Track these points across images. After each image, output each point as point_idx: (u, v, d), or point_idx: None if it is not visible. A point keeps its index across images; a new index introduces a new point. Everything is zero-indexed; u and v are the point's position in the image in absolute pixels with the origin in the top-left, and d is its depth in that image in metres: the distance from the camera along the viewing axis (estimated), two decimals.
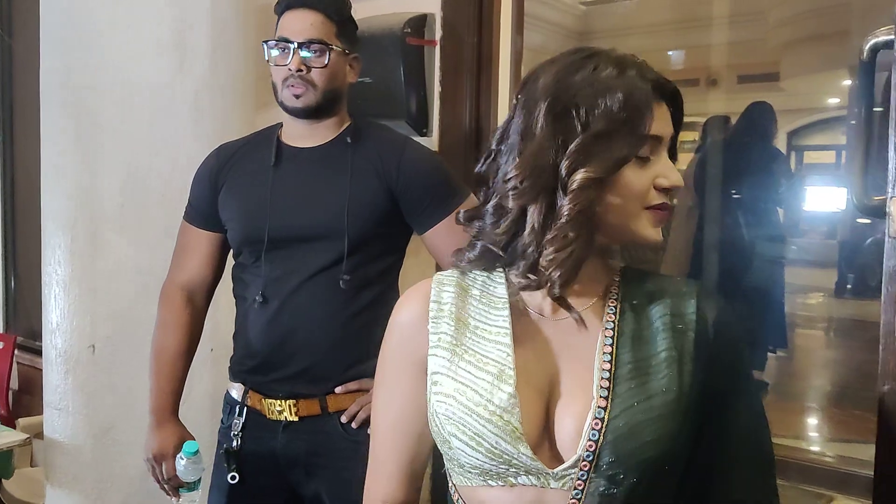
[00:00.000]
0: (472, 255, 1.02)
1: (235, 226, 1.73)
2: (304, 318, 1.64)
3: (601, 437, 0.91)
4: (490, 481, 0.96)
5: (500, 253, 0.99)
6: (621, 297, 1.01)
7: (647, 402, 0.93)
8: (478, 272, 1.04)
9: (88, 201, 2.18)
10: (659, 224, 0.97)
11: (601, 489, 0.92)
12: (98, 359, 2.20)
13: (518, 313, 1.00)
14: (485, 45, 2.29)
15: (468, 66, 2.27)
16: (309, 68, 1.63)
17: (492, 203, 0.99)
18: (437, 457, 1.07)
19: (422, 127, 2.28)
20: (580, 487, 0.93)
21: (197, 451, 1.62)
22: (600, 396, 0.93)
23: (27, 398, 3.63)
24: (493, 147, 1.01)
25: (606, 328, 0.98)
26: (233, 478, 1.68)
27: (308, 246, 1.64)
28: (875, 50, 1.05)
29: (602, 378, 0.94)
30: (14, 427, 2.98)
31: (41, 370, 2.31)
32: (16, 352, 3.45)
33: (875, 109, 1.08)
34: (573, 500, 0.93)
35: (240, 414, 1.71)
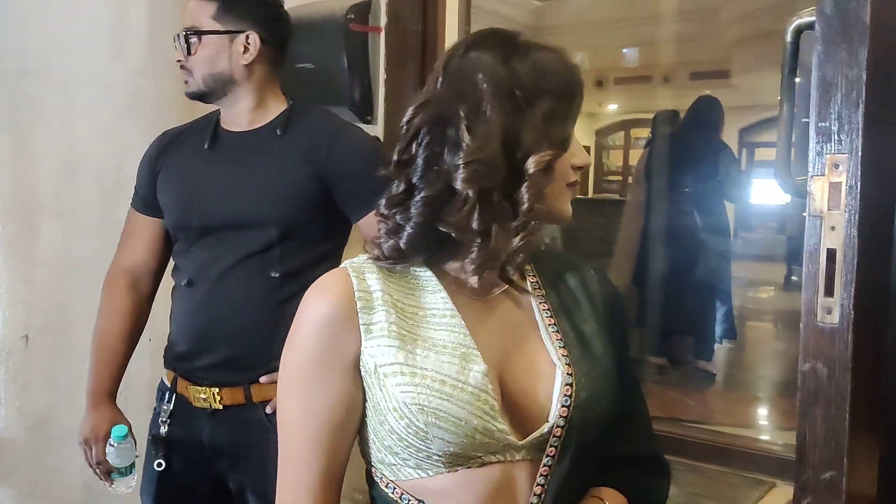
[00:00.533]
0: (405, 244, 0.97)
1: (169, 212, 1.72)
2: (229, 305, 1.62)
3: (572, 401, 0.96)
4: (458, 466, 0.94)
5: (456, 237, 0.95)
6: (536, 273, 1.07)
7: (597, 365, 1.00)
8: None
9: (22, 187, 2.12)
10: (571, 200, 1.03)
11: (570, 452, 0.96)
12: (32, 349, 2.15)
13: (453, 294, 0.99)
14: (430, 32, 2.28)
15: (413, 54, 2.26)
16: (187, 57, 1.64)
17: (430, 188, 0.95)
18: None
19: (366, 114, 2.27)
20: (552, 454, 0.96)
21: (125, 436, 1.60)
22: (565, 364, 0.98)
23: None
24: (423, 131, 0.97)
25: (540, 302, 1.03)
26: (159, 465, 1.67)
27: (235, 233, 1.62)
28: (799, 31, 1.06)
29: (559, 347, 0.99)
30: None
31: None
32: None
33: None
34: (544, 468, 0.96)
35: (168, 400, 1.69)
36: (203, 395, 1.64)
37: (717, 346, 4.09)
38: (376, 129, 2.28)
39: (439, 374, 0.92)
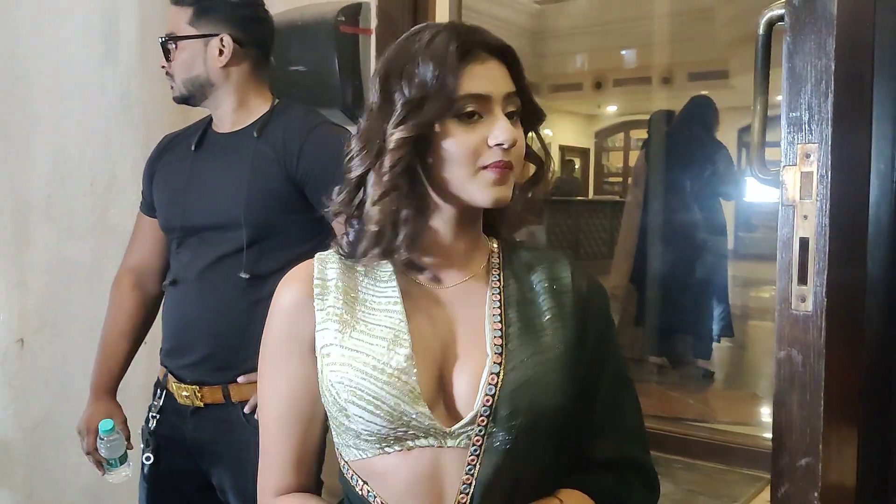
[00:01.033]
0: (346, 244, 1.04)
1: (160, 212, 1.76)
2: (205, 305, 1.64)
3: (497, 391, 0.95)
4: (387, 448, 0.97)
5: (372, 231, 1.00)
6: (503, 265, 1.06)
7: (536, 356, 0.98)
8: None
9: (14, 191, 2.14)
10: (499, 183, 0.97)
11: (497, 443, 0.95)
12: (27, 353, 2.16)
13: (408, 284, 1.03)
14: None
15: None
16: (168, 64, 1.67)
17: (351, 187, 1.03)
18: None
19: (357, 115, 2.27)
20: (478, 443, 0.95)
21: (111, 430, 1.65)
22: (495, 353, 0.97)
23: None
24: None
25: (493, 293, 1.03)
26: (147, 458, 1.71)
27: (212, 234, 1.64)
28: (771, 23, 1.07)
29: (495, 337, 0.99)
30: None
31: None
32: None
33: None
34: (472, 457, 0.95)
35: (159, 397, 1.73)
36: (186, 393, 1.67)
37: (716, 344, 4.08)
38: None
39: (365, 355, 0.97)
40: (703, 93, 4.75)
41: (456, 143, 0.96)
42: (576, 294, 1.05)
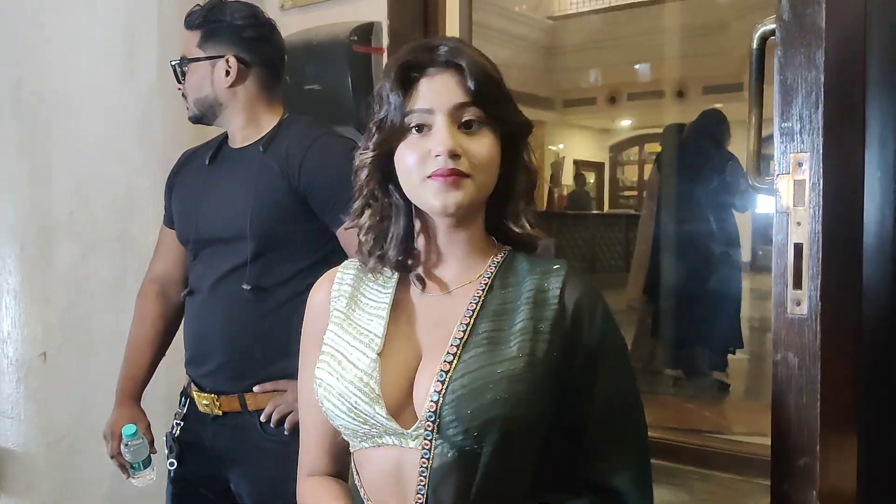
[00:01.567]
0: (360, 255, 1.12)
1: (176, 226, 1.83)
2: (217, 316, 1.69)
3: (441, 397, 0.98)
4: (363, 443, 1.04)
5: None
6: (494, 276, 1.07)
7: (491, 366, 0.99)
8: None
9: (39, 209, 2.19)
10: (444, 191, 1.01)
11: (444, 448, 0.98)
12: (50, 367, 2.21)
13: (405, 292, 1.09)
14: None
15: None
16: (180, 86, 1.74)
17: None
18: None
19: None
20: (427, 447, 0.99)
21: (133, 434, 1.69)
22: (445, 361, 1.00)
23: None
24: None
25: (471, 303, 1.05)
26: (171, 464, 1.76)
27: (223, 246, 1.69)
28: (764, 38, 1.11)
29: (451, 345, 1.01)
30: None
31: None
32: None
33: None
34: (423, 460, 0.99)
35: (183, 404, 1.79)
36: (205, 402, 1.71)
37: (732, 356, 4.08)
38: None
39: (342, 355, 1.05)
40: (716, 106, 4.77)
41: (406, 156, 1.03)
42: (561, 308, 1.03)
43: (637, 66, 8.16)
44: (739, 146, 4.55)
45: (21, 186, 2.19)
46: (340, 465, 1.16)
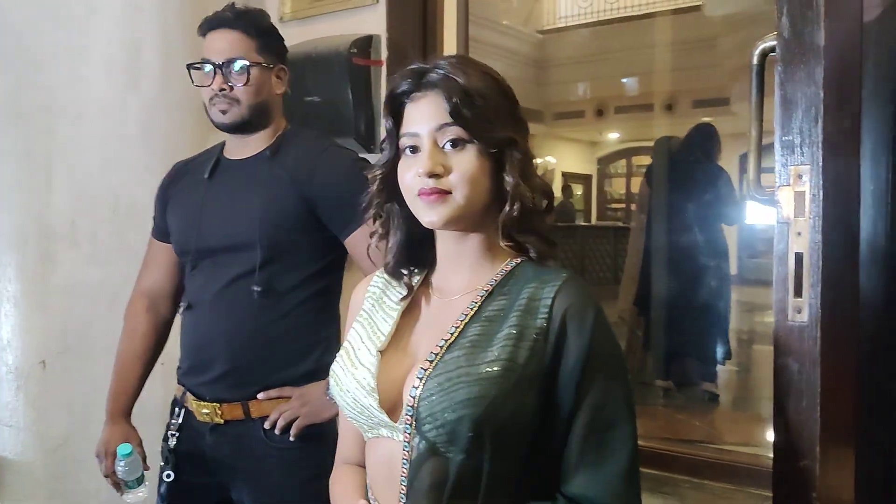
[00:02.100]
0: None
1: (174, 238, 1.82)
2: (221, 325, 1.69)
3: (418, 393, 1.04)
4: (367, 434, 1.13)
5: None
6: (497, 284, 1.11)
7: (469, 367, 1.02)
8: None
9: (40, 218, 2.21)
10: (429, 207, 1.08)
11: (420, 443, 1.03)
12: (49, 375, 2.22)
13: (421, 295, 1.19)
14: None
15: None
16: (232, 87, 1.68)
17: None
18: None
19: (370, 143, 2.36)
20: (407, 440, 1.05)
21: (129, 454, 1.70)
22: (427, 360, 1.06)
23: None
24: None
25: (467, 307, 1.10)
26: (168, 475, 1.75)
27: (228, 255, 1.70)
28: (764, 54, 1.14)
29: (437, 346, 1.07)
30: None
31: None
32: None
33: None
34: (405, 452, 1.05)
35: (177, 415, 1.78)
36: (206, 410, 1.71)
37: (722, 367, 4.12)
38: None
39: (353, 348, 1.15)
40: (705, 120, 4.82)
41: (402, 175, 1.11)
42: (550, 317, 1.04)
43: (625, 80, 8.22)
44: (727, 160, 4.62)
45: (22, 195, 2.21)
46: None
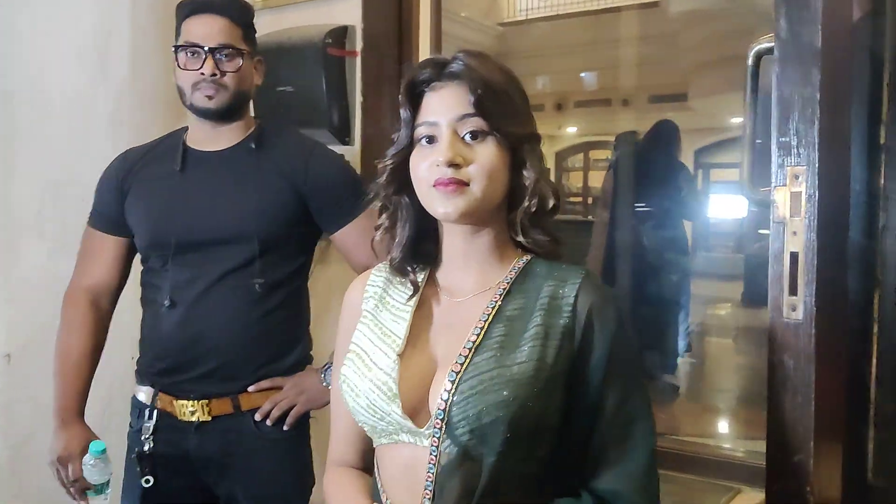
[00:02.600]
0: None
1: (142, 231, 1.74)
2: (213, 320, 1.65)
3: (450, 397, 1.02)
4: (382, 439, 1.10)
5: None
6: (513, 283, 1.11)
7: (500, 369, 1.02)
8: None
9: (4, 207, 2.15)
10: (445, 198, 1.06)
11: (450, 447, 1.02)
12: (14, 369, 2.17)
13: (430, 295, 1.16)
14: (405, 57, 2.35)
15: (389, 78, 2.32)
16: (223, 73, 1.65)
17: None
18: None
19: (344, 136, 2.33)
20: (436, 445, 1.03)
21: (104, 451, 1.58)
22: (457, 363, 1.04)
23: None
24: None
25: (488, 307, 1.09)
26: (147, 481, 1.68)
27: (217, 249, 1.66)
28: (759, 56, 1.16)
29: (464, 348, 1.05)
30: None
31: None
32: None
33: None
34: (432, 457, 1.03)
35: (150, 417, 1.71)
36: (191, 409, 1.67)
37: (680, 360, 4.19)
38: (353, 151, 2.34)
39: (365, 352, 1.11)
40: (661, 115, 4.87)
41: (416, 165, 1.10)
42: (573, 316, 1.06)
43: (584, 74, 8.27)
44: (684, 155, 4.68)
45: None
46: (365, 459, 1.20)
